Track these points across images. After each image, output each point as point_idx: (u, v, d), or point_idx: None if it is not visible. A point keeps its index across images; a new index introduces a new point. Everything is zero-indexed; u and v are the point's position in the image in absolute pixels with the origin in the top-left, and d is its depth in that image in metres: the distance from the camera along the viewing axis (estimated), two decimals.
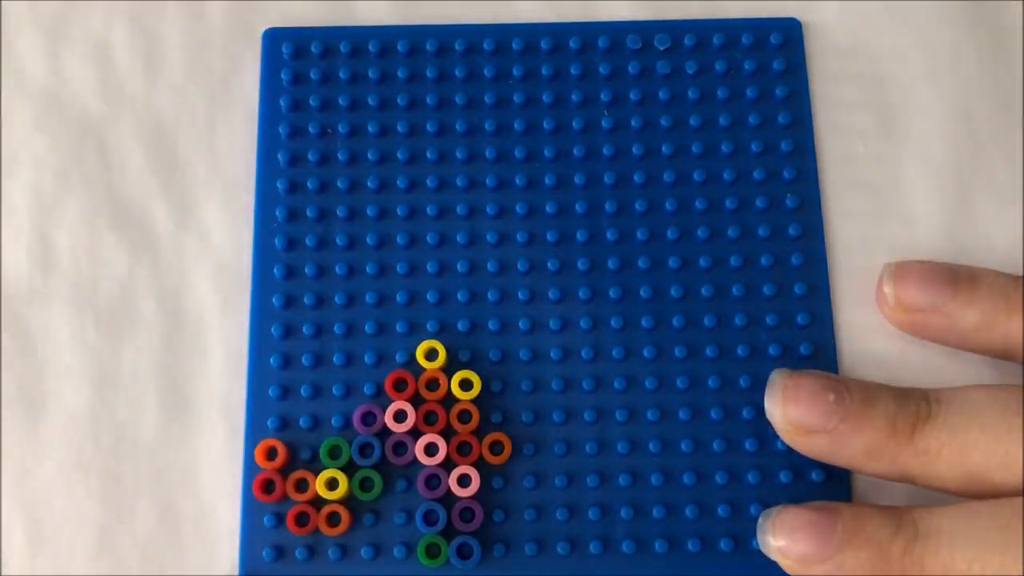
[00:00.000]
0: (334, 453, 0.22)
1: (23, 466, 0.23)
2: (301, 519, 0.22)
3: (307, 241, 0.24)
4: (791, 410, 0.21)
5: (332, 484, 0.22)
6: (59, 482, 0.23)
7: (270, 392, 0.23)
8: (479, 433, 0.22)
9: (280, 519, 0.22)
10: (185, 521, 0.23)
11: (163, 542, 0.23)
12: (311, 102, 0.25)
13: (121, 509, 0.23)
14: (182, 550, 0.23)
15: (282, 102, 0.25)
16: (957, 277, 0.22)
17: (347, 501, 0.22)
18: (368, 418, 0.22)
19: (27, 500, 0.23)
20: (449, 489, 0.22)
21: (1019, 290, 0.21)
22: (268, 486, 0.22)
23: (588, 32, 0.25)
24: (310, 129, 0.25)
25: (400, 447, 0.22)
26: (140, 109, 0.26)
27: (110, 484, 0.23)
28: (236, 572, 0.22)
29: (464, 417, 0.22)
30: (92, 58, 0.26)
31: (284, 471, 0.22)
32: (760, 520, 0.21)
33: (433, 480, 0.22)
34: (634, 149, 0.24)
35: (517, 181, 0.24)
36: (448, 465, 0.22)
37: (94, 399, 0.23)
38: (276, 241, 0.24)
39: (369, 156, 0.24)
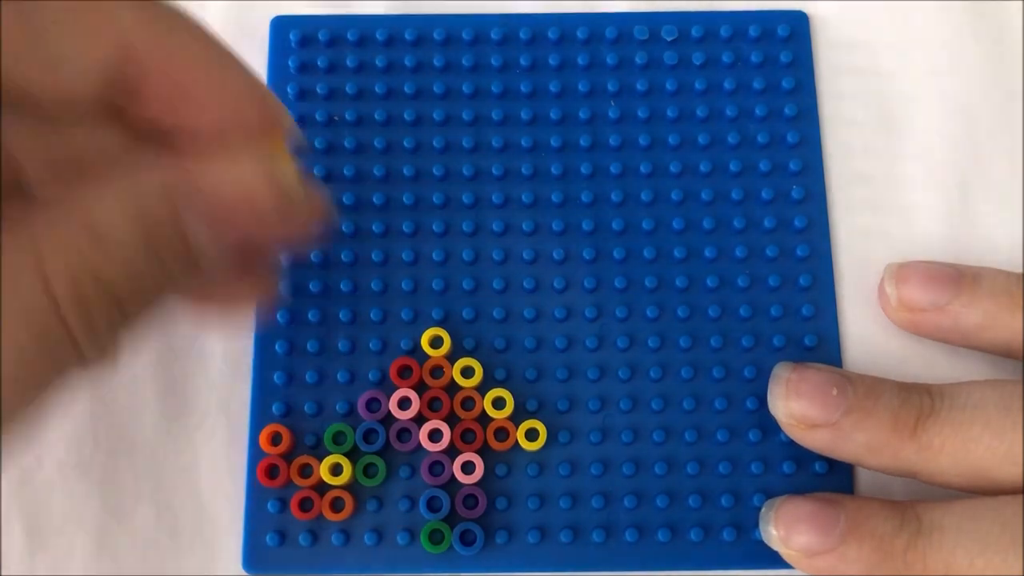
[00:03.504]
0: (338, 439, 0.22)
1: (23, 465, 0.23)
2: (305, 504, 0.22)
3: None
4: (794, 404, 0.21)
5: (336, 470, 0.22)
6: (59, 482, 0.23)
7: (275, 378, 0.23)
8: (483, 420, 0.22)
9: (284, 504, 0.22)
10: (184, 521, 0.23)
11: (162, 542, 0.23)
12: (318, 90, 0.25)
13: (121, 509, 0.23)
14: (181, 550, 0.22)
15: (289, 90, 0.25)
16: (959, 276, 0.22)
17: (351, 487, 0.22)
18: (372, 405, 0.22)
19: (27, 500, 0.23)
20: (453, 476, 0.22)
21: (1021, 288, 0.21)
22: (272, 471, 0.22)
23: (595, 22, 0.25)
24: (317, 117, 0.25)
25: (404, 434, 0.22)
26: None
27: (109, 484, 0.23)
28: (237, 568, 0.22)
29: (468, 405, 0.22)
30: None
31: (288, 457, 0.22)
32: (763, 510, 0.21)
33: (437, 467, 0.22)
34: (640, 139, 0.24)
35: (523, 170, 0.24)
36: (452, 452, 0.22)
37: (93, 397, 0.23)
38: None
39: (375, 144, 0.24)
